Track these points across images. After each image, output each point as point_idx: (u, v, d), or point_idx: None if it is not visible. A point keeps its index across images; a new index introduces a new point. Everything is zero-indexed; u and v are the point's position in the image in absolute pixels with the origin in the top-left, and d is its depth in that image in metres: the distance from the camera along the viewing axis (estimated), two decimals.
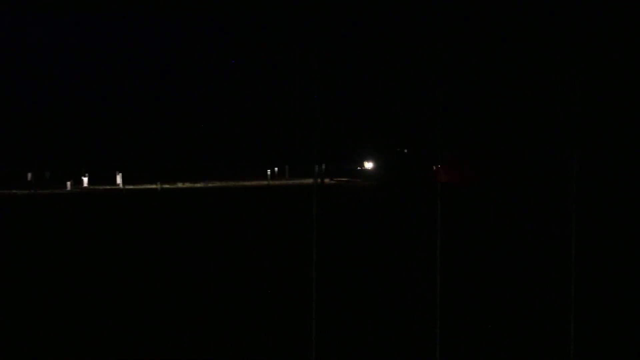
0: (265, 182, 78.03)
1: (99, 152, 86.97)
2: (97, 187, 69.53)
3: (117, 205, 50.03)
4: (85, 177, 71.79)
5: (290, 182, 78.70)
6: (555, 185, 57.70)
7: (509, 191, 56.74)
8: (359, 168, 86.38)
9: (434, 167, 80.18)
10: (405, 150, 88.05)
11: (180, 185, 70.48)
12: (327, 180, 78.71)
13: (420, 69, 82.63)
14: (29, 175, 60.69)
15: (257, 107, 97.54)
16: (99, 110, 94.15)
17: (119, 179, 66.81)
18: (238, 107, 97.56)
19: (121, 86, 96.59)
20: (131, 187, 66.02)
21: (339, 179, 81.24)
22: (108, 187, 68.17)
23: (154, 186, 67.23)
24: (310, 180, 74.74)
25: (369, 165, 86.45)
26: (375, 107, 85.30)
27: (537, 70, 74.59)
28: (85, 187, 71.39)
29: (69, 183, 67.40)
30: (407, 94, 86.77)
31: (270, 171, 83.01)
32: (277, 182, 78.71)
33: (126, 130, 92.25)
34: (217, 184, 74.20)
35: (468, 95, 78.44)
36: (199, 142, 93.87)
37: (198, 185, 70.50)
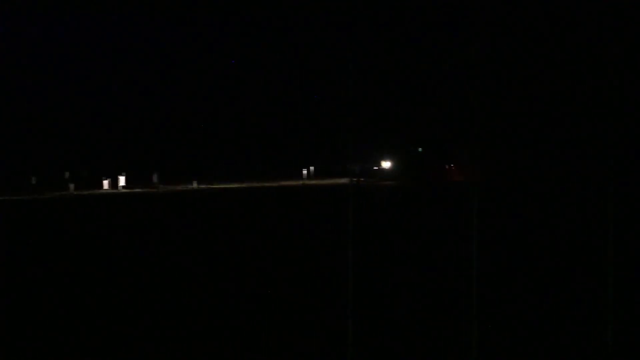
0: (300, 182, 78.14)
1: (135, 150, 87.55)
2: (134, 186, 69.87)
3: (153, 205, 50.20)
4: (122, 175, 72.13)
5: (324, 182, 78.40)
6: (558, 185, 57.89)
7: (516, 190, 56.54)
8: (375, 167, 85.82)
9: (447, 167, 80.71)
10: (420, 149, 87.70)
11: (216, 185, 70.55)
12: (362, 180, 78.53)
13: (434, 68, 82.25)
14: (67, 174, 61.16)
15: (292, 107, 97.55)
16: (137, 110, 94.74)
17: (155, 179, 66.91)
18: (273, 108, 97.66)
19: (163, 86, 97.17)
20: (168, 187, 66.22)
21: (371, 179, 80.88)
22: (144, 187, 68.36)
23: (190, 187, 67.44)
24: (342, 180, 74.51)
25: (386, 164, 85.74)
26: (390, 105, 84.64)
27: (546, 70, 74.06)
28: (123, 185, 71.79)
29: (106, 182, 67.67)
30: (421, 92, 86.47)
31: (307, 171, 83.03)
32: (312, 182, 78.57)
33: (164, 130, 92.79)
34: (255, 184, 74.39)
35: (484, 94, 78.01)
36: (235, 142, 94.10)
37: (234, 185, 70.49)
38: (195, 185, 68.05)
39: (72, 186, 63.63)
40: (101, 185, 67.26)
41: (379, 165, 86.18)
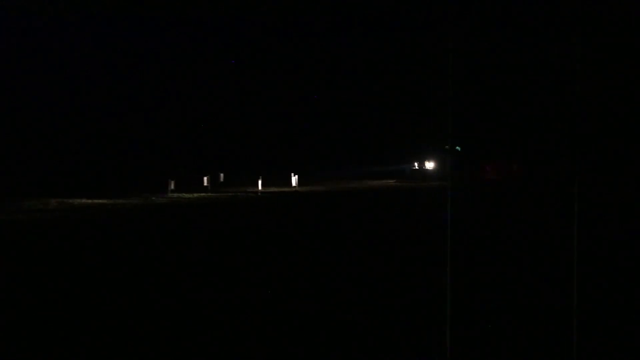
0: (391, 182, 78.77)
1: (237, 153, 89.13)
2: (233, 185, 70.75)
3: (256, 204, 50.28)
4: (221, 174, 73.41)
5: (416, 184, 78.44)
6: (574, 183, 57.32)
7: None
8: (415, 167, 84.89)
9: (485, 166, 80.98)
10: (458, 148, 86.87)
11: (311, 188, 70.97)
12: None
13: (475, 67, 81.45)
14: (172, 183, 62.74)
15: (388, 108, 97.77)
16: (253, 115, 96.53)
17: (259, 185, 67.42)
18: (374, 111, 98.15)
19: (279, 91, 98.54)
20: (270, 190, 66.88)
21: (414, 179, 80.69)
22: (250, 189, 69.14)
23: (290, 189, 68.06)
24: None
25: (430, 164, 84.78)
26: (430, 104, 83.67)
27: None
28: (221, 181, 72.97)
29: (205, 179, 68.73)
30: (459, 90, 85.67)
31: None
32: (408, 183, 78.65)
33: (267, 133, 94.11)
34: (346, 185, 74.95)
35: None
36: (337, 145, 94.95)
37: (321, 189, 70.61)
38: (294, 188, 68.63)
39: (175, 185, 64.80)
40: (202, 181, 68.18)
41: (422, 165, 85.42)
